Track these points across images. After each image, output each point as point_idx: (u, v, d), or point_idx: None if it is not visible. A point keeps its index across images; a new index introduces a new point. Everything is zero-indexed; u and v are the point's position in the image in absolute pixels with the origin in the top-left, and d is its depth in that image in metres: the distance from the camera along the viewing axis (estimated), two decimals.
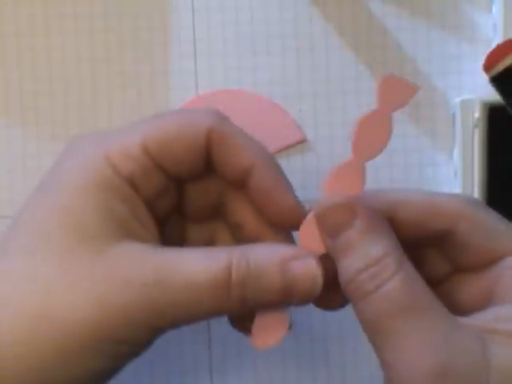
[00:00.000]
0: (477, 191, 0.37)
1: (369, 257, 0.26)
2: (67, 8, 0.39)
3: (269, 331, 0.30)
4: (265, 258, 0.28)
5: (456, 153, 0.38)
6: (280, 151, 0.39)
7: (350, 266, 0.27)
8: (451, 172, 0.39)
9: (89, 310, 0.26)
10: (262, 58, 0.40)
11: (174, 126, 0.29)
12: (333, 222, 0.28)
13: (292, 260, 0.28)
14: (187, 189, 0.31)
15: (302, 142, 0.39)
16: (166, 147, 0.29)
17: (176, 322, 0.27)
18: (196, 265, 0.27)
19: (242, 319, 0.31)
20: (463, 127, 0.38)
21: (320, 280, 0.28)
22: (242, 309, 0.28)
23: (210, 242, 0.32)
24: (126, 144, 0.28)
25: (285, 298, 0.28)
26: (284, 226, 0.30)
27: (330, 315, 0.39)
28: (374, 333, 0.26)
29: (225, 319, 0.39)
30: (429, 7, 0.39)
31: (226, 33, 0.40)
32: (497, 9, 0.38)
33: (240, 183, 0.30)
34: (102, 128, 0.39)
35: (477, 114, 0.37)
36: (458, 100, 0.38)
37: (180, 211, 0.31)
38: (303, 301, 0.29)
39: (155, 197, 0.29)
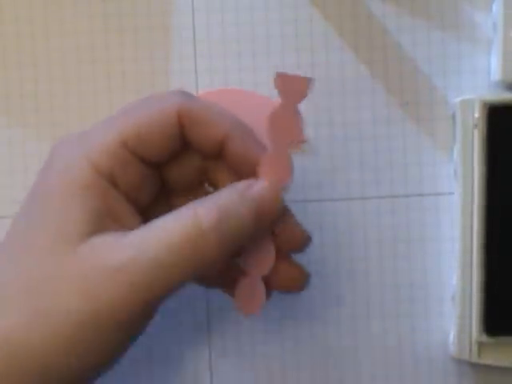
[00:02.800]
0: (476, 191, 0.37)
1: None
2: (67, 8, 0.39)
3: (250, 299, 0.32)
4: (226, 197, 0.30)
5: (456, 152, 0.38)
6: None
7: None
8: (451, 172, 0.39)
9: (75, 304, 0.28)
10: (262, 59, 0.40)
11: (146, 116, 0.31)
12: None
13: (248, 188, 0.30)
14: (167, 169, 0.33)
15: (302, 142, 0.39)
16: (142, 138, 0.30)
17: (164, 291, 0.28)
18: (168, 227, 0.29)
19: (232, 283, 0.33)
20: (463, 127, 0.38)
21: (277, 193, 0.31)
22: (224, 252, 0.29)
23: None
24: (104, 142, 0.30)
25: (258, 222, 0.30)
26: None
27: (330, 314, 0.39)
28: None
29: (224, 319, 0.39)
30: (428, 7, 0.39)
31: (226, 33, 0.40)
32: (497, 8, 0.38)
33: (217, 154, 0.32)
34: None
35: (476, 114, 0.37)
36: (457, 100, 0.38)
37: (163, 191, 0.33)
38: (273, 217, 0.31)
39: (137, 186, 0.31)
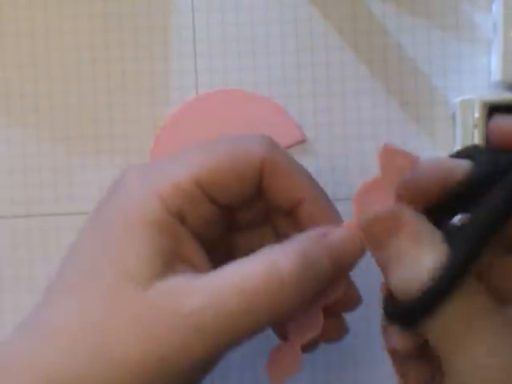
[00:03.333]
0: None
1: (421, 267, 0.25)
2: (67, 8, 0.39)
3: (282, 366, 0.30)
4: (305, 243, 0.28)
5: None
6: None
7: (401, 275, 0.26)
8: None
9: (141, 349, 0.26)
10: (262, 58, 0.40)
11: (227, 158, 0.29)
12: (379, 233, 0.26)
13: (327, 234, 0.28)
14: (237, 209, 0.31)
15: (302, 142, 0.39)
16: (218, 180, 0.29)
17: (233, 341, 0.27)
18: (241, 276, 0.27)
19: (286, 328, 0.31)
20: (463, 127, 0.38)
21: (358, 240, 0.28)
22: (300, 301, 0.27)
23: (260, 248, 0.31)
24: (177, 178, 0.28)
25: (336, 269, 0.28)
26: None
27: None
28: (442, 348, 0.25)
29: None
30: (429, 7, 0.39)
31: (226, 33, 0.40)
32: (497, 8, 0.38)
33: (288, 211, 0.30)
34: (101, 128, 0.39)
35: (477, 114, 0.37)
36: (457, 100, 0.38)
37: (228, 226, 0.31)
38: (352, 264, 0.29)
39: (205, 225, 0.29)
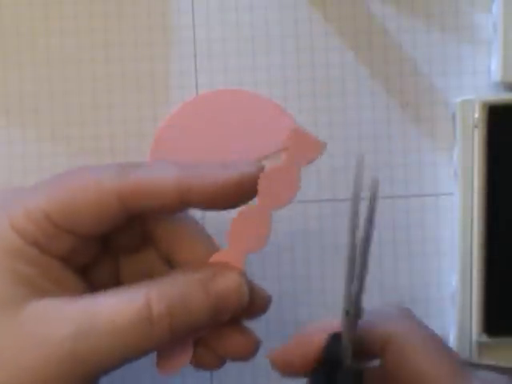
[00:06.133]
0: (476, 192, 0.37)
1: None
2: (67, 8, 0.39)
3: (172, 359, 0.30)
4: (185, 286, 0.28)
5: (456, 153, 0.38)
6: (280, 151, 0.39)
7: None
8: (451, 172, 0.39)
9: (12, 378, 0.26)
10: (262, 58, 0.40)
11: (78, 192, 0.28)
12: None
13: (213, 278, 0.28)
14: (111, 235, 0.30)
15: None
16: (69, 214, 0.28)
17: (106, 368, 0.27)
18: (115, 307, 0.27)
19: None
20: (463, 127, 0.38)
21: (245, 289, 0.29)
22: (173, 339, 0.28)
23: (146, 273, 0.31)
24: (28, 209, 0.28)
25: (215, 316, 0.28)
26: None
27: (331, 315, 0.39)
28: None
29: None
30: (429, 8, 0.40)
31: (226, 33, 0.40)
32: (497, 9, 0.38)
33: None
34: (101, 128, 0.39)
35: (477, 115, 0.37)
36: (458, 100, 0.38)
37: (108, 249, 0.31)
38: (234, 313, 0.29)
39: (69, 252, 0.29)
